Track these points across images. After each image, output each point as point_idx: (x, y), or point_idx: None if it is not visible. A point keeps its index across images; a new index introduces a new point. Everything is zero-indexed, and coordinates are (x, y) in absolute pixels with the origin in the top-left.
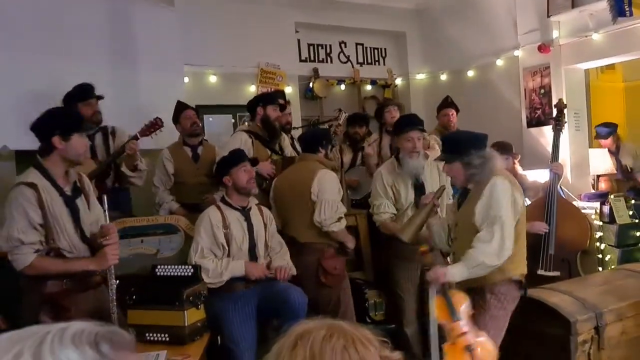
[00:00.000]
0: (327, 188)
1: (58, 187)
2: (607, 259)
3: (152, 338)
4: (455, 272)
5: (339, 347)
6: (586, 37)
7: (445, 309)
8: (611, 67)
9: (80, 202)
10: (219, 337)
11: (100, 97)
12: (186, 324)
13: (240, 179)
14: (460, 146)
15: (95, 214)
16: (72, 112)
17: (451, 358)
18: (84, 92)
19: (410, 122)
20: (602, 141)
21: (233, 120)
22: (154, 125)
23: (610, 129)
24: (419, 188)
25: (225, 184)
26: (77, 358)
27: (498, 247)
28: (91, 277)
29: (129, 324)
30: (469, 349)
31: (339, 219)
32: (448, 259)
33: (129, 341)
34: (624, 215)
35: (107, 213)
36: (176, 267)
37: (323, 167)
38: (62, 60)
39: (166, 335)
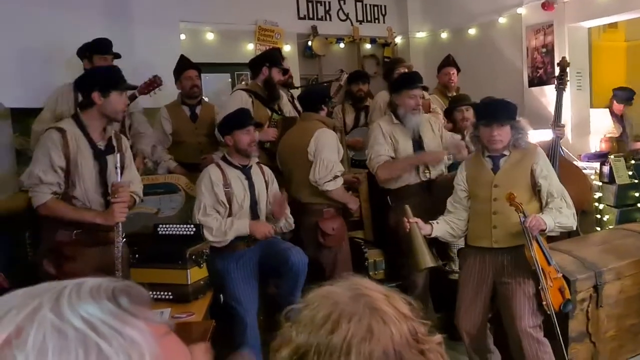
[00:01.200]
0: (324, 147)
1: (90, 139)
2: (605, 219)
3: (156, 296)
4: (549, 223)
5: (363, 325)
6: None
7: (541, 254)
8: (613, 26)
9: (111, 159)
10: (221, 295)
11: (117, 55)
12: (189, 282)
13: (242, 141)
14: (511, 112)
15: (127, 176)
16: (113, 71)
17: (552, 298)
18: (102, 46)
19: (414, 79)
20: (616, 105)
21: (230, 80)
22: (153, 84)
23: (629, 93)
24: (417, 142)
25: (225, 144)
26: (96, 311)
27: (574, 216)
28: (101, 233)
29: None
30: (561, 289)
31: (335, 177)
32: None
33: (146, 296)
34: (623, 176)
35: (118, 171)
36: (178, 226)
37: (322, 126)
38: (57, 17)
39: (170, 293)
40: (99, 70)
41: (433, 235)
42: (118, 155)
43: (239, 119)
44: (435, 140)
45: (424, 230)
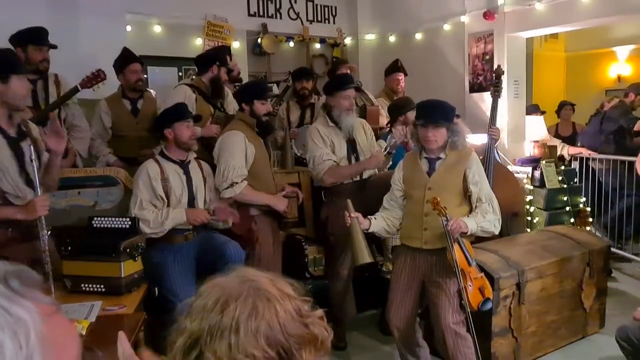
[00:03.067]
0: (223, 151)
1: (1, 129)
2: (535, 221)
3: (87, 289)
4: (471, 226)
5: (249, 304)
6: (529, 5)
7: (462, 256)
8: (555, 36)
9: (26, 145)
10: (156, 289)
11: (53, 46)
12: (122, 276)
13: (182, 134)
14: (449, 114)
15: (44, 159)
16: (8, 53)
17: (471, 297)
18: (38, 36)
19: (348, 80)
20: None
21: (180, 74)
22: (96, 78)
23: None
24: (351, 143)
25: (165, 137)
26: None
27: (499, 222)
28: (35, 228)
29: (64, 274)
30: (481, 288)
31: (232, 184)
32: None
33: (37, 280)
34: (553, 180)
35: (34, 164)
36: (113, 219)
37: (236, 127)
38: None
39: (102, 286)
40: None
41: (370, 230)
42: (31, 147)
43: (178, 112)
44: (367, 142)
45: (363, 225)
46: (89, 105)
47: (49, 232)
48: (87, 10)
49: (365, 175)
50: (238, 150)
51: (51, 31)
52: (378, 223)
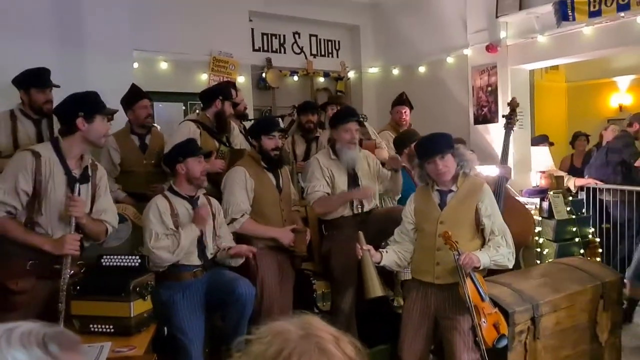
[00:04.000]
0: (225, 188)
1: (66, 165)
2: (545, 252)
3: (96, 329)
4: (484, 261)
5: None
6: (532, 38)
7: (475, 291)
8: (555, 67)
9: (85, 188)
10: (165, 328)
11: (56, 86)
12: (132, 315)
13: (194, 169)
14: (447, 141)
15: (99, 206)
16: (93, 95)
17: (485, 334)
18: (40, 78)
19: (349, 114)
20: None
21: (184, 108)
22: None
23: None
24: (353, 177)
25: (177, 172)
26: (25, 358)
27: (513, 255)
28: (56, 266)
29: (73, 315)
30: (496, 324)
31: (232, 220)
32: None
33: (75, 342)
34: (562, 211)
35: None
36: (123, 257)
37: (242, 163)
38: (8, 43)
39: (111, 326)
40: (80, 95)
41: (382, 264)
42: (79, 185)
43: (191, 148)
44: (370, 175)
45: (375, 257)
46: None
47: (72, 272)
48: (95, 48)
49: (366, 208)
50: (237, 186)
51: (58, 68)
52: (389, 256)
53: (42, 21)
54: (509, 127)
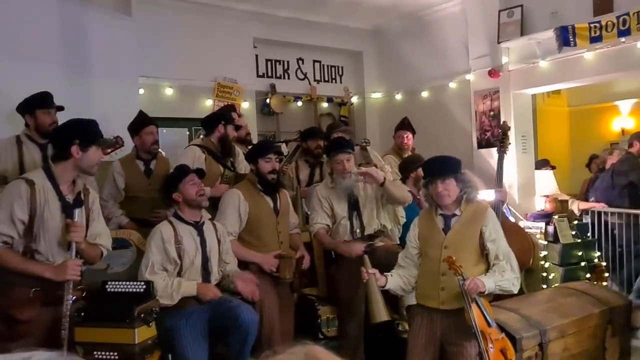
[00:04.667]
0: (220, 208)
1: (59, 191)
2: (551, 277)
3: (100, 356)
4: (489, 285)
5: None
6: (534, 63)
7: (481, 316)
8: (557, 92)
9: (79, 212)
10: (170, 355)
11: (60, 108)
12: (136, 342)
13: (189, 192)
14: (454, 165)
15: (94, 230)
16: (93, 124)
17: (494, 359)
18: (44, 100)
19: (337, 145)
20: None
21: (188, 133)
22: (115, 145)
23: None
24: (353, 204)
25: (175, 201)
26: None
27: (518, 280)
28: (59, 292)
29: (77, 342)
30: (503, 350)
31: None
32: (390, 275)
33: None
34: (567, 235)
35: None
36: (127, 283)
37: (237, 187)
38: (14, 68)
39: (115, 353)
40: (80, 123)
41: (386, 288)
42: (79, 211)
43: (179, 173)
44: (370, 199)
45: (380, 281)
46: (102, 167)
47: (74, 298)
48: (102, 75)
49: (367, 232)
50: (229, 208)
51: (66, 95)
52: (394, 280)
53: (49, 48)
54: (501, 150)
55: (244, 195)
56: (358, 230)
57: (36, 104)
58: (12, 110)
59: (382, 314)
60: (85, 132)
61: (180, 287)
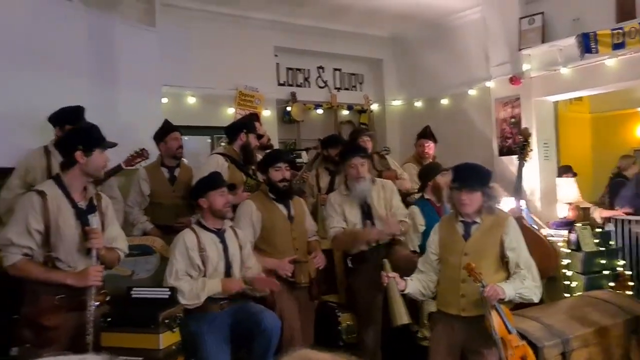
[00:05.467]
0: (235, 219)
1: (71, 199)
2: (573, 285)
3: None
4: (509, 292)
5: None
6: (555, 70)
7: (501, 323)
8: (579, 98)
9: (94, 218)
10: None
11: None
12: (161, 348)
13: (216, 202)
14: (485, 177)
15: (109, 234)
16: (94, 129)
17: None
18: (74, 115)
19: (351, 150)
20: None
21: (209, 141)
22: (140, 156)
23: None
24: (366, 210)
25: (200, 206)
26: None
27: (539, 289)
28: (83, 297)
29: (102, 347)
30: (523, 357)
31: None
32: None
33: None
34: (589, 243)
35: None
36: (152, 289)
37: (252, 197)
38: (41, 78)
39: (141, 358)
40: (80, 129)
41: (406, 292)
42: (96, 217)
43: (212, 181)
44: (383, 205)
45: (400, 285)
46: (127, 175)
47: (97, 304)
48: (127, 84)
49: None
50: (243, 219)
51: (91, 103)
52: (414, 284)
53: (77, 59)
54: (521, 157)
55: (256, 205)
56: (364, 244)
57: (66, 119)
58: (42, 120)
59: (402, 317)
60: (86, 137)
61: (205, 285)
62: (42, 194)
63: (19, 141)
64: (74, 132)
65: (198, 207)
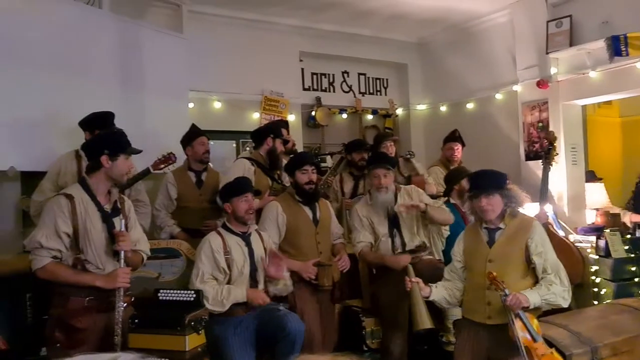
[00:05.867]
0: (260, 220)
1: (97, 202)
2: (602, 292)
3: None
4: (534, 300)
5: None
6: (584, 74)
7: (526, 332)
8: (608, 102)
9: (118, 220)
10: None
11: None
12: (187, 349)
13: (239, 208)
14: (499, 180)
15: (133, 236)
16: (119, 135)
17: None
18: (104, 121)
19: (375, 160)
20: None
21: (234, 145)
22: (167, 160)
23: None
24: (393, 219)
25: (225, 211)
26: None
27: (568, 293)
28: (112, 299)
29: (130, 348)
30: None
31: None
32: (435, 286)
33: None
34: (619, 250)
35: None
36: (179, 291)
37: (278, 199)
38: (72, 84)
39: None
40: (107, 134)
41: (431, 299)
42: (122, 220)
43: (237, 187)
44: (410, 217)
45: (424, 291)
46: (155, 179)
47: (125, 305)
48: (154, 90)
49: (408, 247)
50: (268, 220)
51: (120, 108)
52: (439, 291)
53: (106, 65)
54: (546, 162)
55: (282, 207)
56: (400, 248)
57: (96, 124)
58: (71, 125)
59: (425, 321)
60: (113, 142)
61: (230, 293)
62: (70, 197)
63: (51, 146)
64: (101, 136)
65: (224, 211)
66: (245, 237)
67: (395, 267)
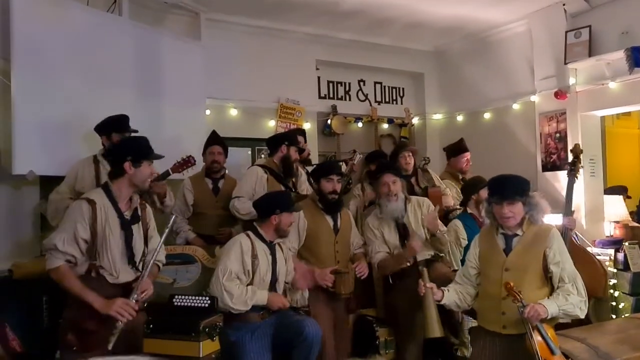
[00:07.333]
0: None
1: (118, 209)
2: (621, 306)
3: None
4: (552, 310)
5: None
6: (602, 85)
7: (544, 344)
8: (627, 113)
9: (136, 228)
10: None
11: (134, 131)
12: (201, 355)
13: (285, 222)
14: (523, 187)
15: (152, 245)
16: (142, 141)
17: None
18: (119, 123)
19: (383, 167)
20: None
21: (250, 152)
22: (187, 163)
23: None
24: (403, 230)
25: (270, 221)
26: None
27: (585, 304)
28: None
29: (145, 353)
30: None
31: None
32: (446, 290)
33: None
34: (638, 263)
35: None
36: (194, 297)
37: (299, 204)
38: (90, 90)
39: None
40: (130, 140)
41: (442, 303)
42: (141, 230)
43: (288, 202)
44: (419, 228)
45: (436, 295)
46: (173, 184)
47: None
48: (172, 97)
49: (420, 258)
50: (294, 229)
51: (137, 116)
52: (450, 295)
53: (124, 72)
54: (572, 174)
55: (304, 213)
56: (408, 263)
57: (113, 127)
58: (90, 130)
59: (435, 329)
60: (136, 148)
61: (255, 294)
62: (92, 202)
63: (70, 151)
64: (125, 142)
65: (264, 219)
66: (271, 247)
67: (412, 254)
